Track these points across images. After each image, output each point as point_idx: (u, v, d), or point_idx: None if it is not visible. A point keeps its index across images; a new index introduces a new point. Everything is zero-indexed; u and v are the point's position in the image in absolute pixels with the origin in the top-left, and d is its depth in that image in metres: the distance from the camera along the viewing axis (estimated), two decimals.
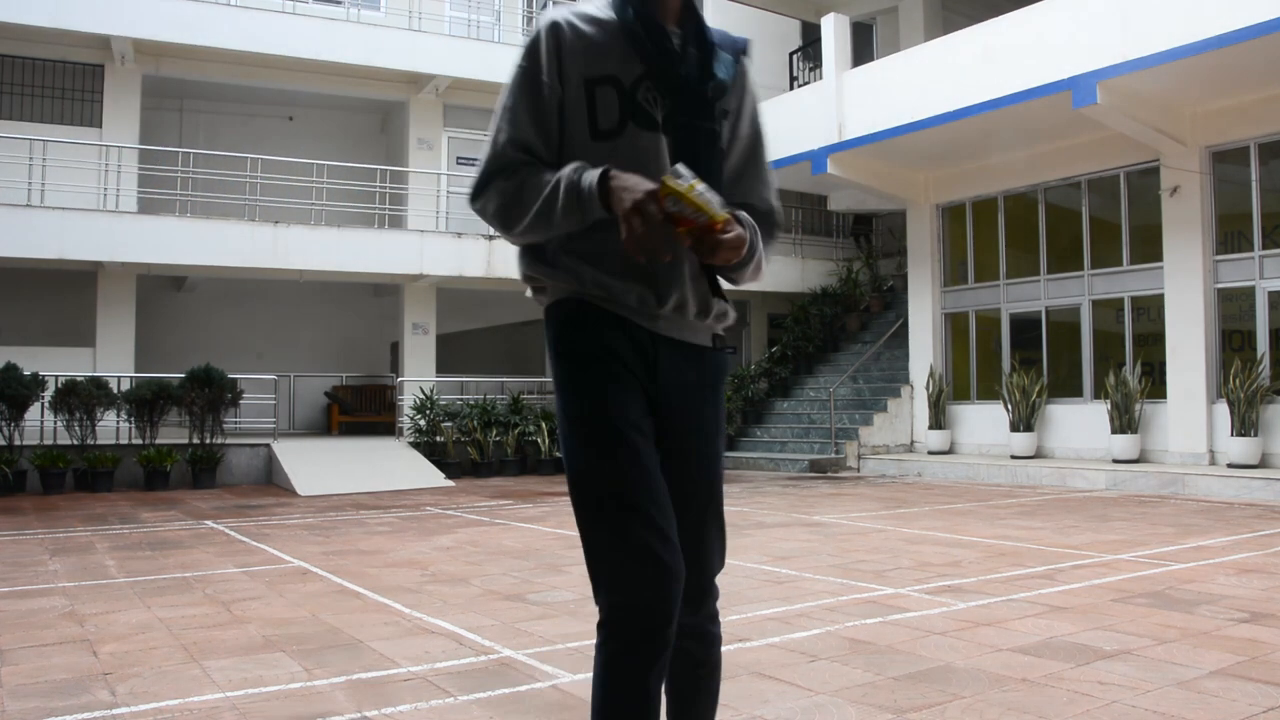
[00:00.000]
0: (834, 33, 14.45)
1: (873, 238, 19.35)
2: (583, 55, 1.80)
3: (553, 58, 1.80)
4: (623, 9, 1.82)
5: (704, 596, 1.91)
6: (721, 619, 1.99)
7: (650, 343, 1.86)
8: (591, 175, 1.70)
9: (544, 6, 18.34)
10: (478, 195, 1.85)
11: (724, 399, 1.99)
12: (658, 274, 1.81)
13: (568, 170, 1.74)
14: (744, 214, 1.83)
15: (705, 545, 1.91)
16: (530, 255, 1.89)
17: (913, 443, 14.89)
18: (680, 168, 1.64)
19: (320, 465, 12.57)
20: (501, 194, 1.81)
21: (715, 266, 1.83)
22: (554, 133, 1.82)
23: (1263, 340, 11.16)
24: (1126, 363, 12.46)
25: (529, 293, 1.95)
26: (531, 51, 1.82)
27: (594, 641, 1.76)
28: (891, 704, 3.14)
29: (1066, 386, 13.29)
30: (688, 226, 1.64)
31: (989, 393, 14.08)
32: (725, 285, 1.96)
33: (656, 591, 1.71)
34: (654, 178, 1.67)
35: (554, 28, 1.81)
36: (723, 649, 1.99)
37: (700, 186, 1.62)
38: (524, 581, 5.48)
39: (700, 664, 1.93)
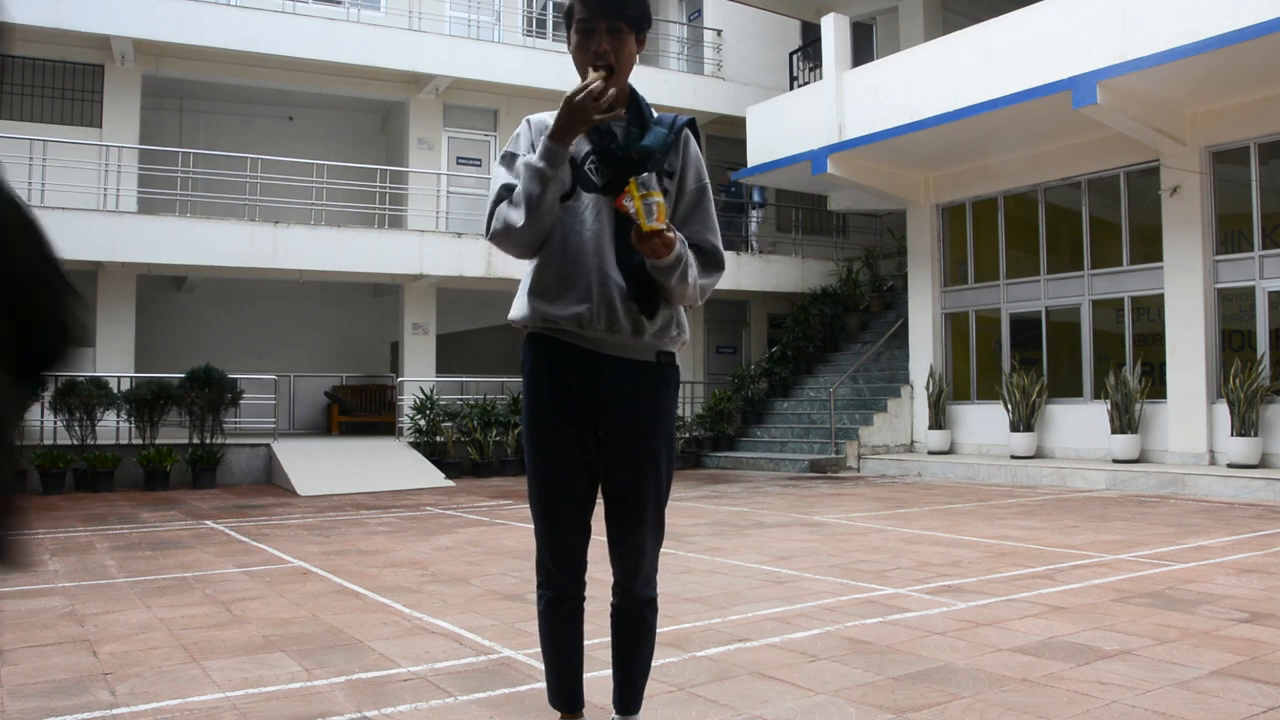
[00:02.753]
0: (834, 33, 14.46)
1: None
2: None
3: (526, 141, 2.38)
4: None
5: (635, 577, 2.42)
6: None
7: (594, 362, 2.34)
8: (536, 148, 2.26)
9: (544, 8, 18.34)
10: (489, 226, 2.34)
11: (671, 409, 2.43)
12: (591, 301, 2.29)
13: (521, 161, 2.29)
14: (683, 237, 2.31)
15: (638, 535, 2.40)
16: (515, 305, 2.41)
17: (913, 443, 14.89)
18: (649, 178, 2.21)
19: (320, 465, 12.56)
20: (502, 211, 2.30)
21: (649, 285, 2.31)
22: None
23: (1263, 340, 11.16)
24: (1126, 363, 12.45)
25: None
26: (513, 139, 2.41)
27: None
28: (891, 704, 3.14)
29: (1066, 386, 13.29)
30: (626, 211, 2.19)
31: (989, 393, 14.08)
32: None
33: (560, 570, 2.40)
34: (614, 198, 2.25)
35: (528, 122, 2.42)
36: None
37: (653, 199, 2.16)
38: (524, 581, 5.47)
39: (636, 625, 2.47)
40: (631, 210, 2.16)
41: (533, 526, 2.45)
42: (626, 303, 2.31)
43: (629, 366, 2.35)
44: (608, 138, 2.36)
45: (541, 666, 3.63)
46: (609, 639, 2.53)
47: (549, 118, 2.41)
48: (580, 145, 2.36)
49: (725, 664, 3.62)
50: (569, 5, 2.34)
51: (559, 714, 2.55)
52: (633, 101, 2.42)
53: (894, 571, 5.69)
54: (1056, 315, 13.61)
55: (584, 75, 2.36)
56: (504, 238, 2.29)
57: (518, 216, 2.25)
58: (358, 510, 9.73)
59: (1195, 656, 3.69)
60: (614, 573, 2.45)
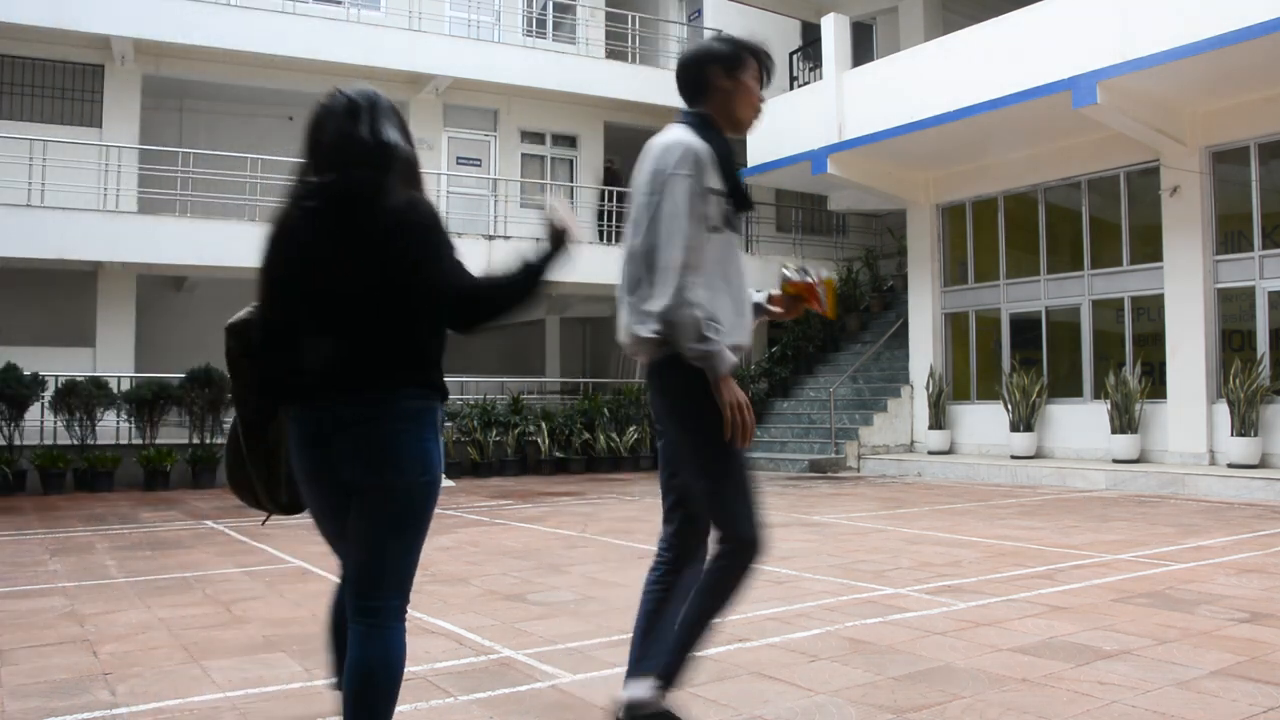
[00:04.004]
0: (834, 33, 14.45)
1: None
2: (707, 172, 2.58)
3: (710, 172, 2.57)
4: (713, 144, 2.64)
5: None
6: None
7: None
8: (723, 352, 2.52)
9: (544, 8, 18.33)
10: (672, 261, 2.54)
11: None
12: (749, 333, 2.69)
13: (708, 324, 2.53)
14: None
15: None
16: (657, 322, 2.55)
17: (913, 443, 14.89)
18: (830, 273, 2.66)
19: None
20: (693, 311, 2.51)
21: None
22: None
23: (1263, 340, 11.16)
24: (1126, 363, 12.45)
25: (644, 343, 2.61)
26: (699, 167, 2.56)
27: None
28: (891, 704, 3.14)
29: (1066, 386, 13.29)
30: (811, 299, 2.79)
31: (989, 393, 14.07)
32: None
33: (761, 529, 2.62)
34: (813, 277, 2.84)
35: (697, 155, 2.57)
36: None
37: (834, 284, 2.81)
38: (524, 581, 5.48)
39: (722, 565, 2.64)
40: (822, 294, 2.74)
41: (712, 495, 2.62)
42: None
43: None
44: (740, 181, 2.68)
45: (543, 667, 3.64)
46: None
47: (701, 149, 2.58)
48: (714, 179, 2.59)
49: (725, 664, 3.62)
50: (753, 57, 2.76)
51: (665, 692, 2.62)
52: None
53: (894, 571, 5.70)
54: (1056, 315, 13.61)
55: (747, 112, 2.78)
56: (672, 322, 2.51)
57: (691, 336, 2.48)
58: None
59: (1195, 656, 3.69)
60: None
